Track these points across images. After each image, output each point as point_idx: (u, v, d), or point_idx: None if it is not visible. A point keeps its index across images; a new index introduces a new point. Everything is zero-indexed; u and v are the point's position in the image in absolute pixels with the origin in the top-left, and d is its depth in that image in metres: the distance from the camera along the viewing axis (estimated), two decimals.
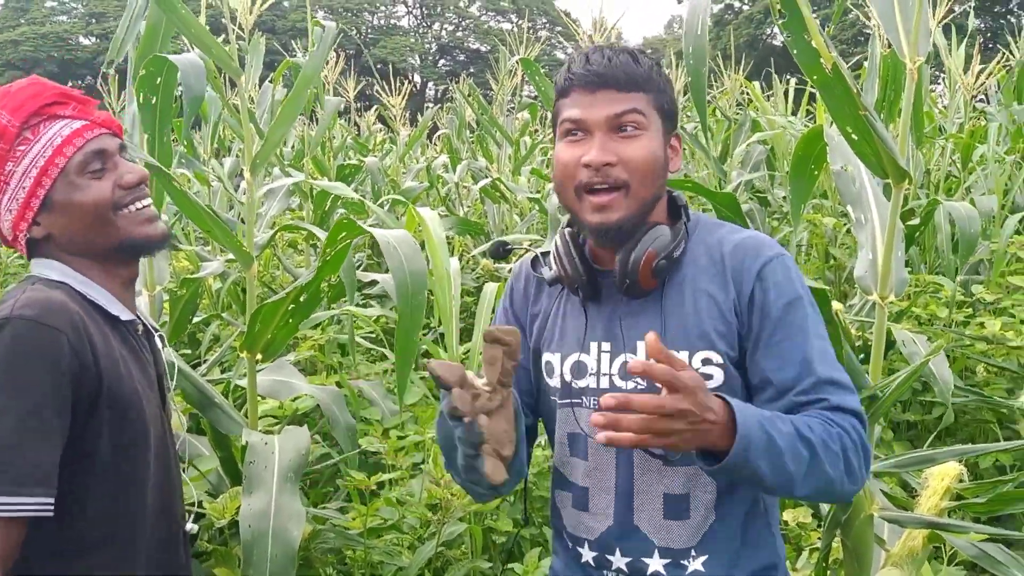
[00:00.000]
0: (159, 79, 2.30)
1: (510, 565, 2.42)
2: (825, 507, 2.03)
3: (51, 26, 47.78)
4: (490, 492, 1.35)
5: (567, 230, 1.37)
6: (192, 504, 1.59)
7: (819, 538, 2.02)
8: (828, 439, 1.17)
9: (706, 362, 1.25)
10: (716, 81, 7.05)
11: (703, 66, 1.73)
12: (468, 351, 2.85)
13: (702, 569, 1.27)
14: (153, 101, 2.34)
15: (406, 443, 2.93)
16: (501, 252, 1.47)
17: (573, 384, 1.34)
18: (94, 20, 49.25)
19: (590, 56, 1.29)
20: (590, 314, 1.34)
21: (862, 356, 2.26)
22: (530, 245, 3.67)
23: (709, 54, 1.89)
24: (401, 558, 2.34)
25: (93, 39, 48.80)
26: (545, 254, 1.42)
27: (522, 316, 1.45)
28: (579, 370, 1.34)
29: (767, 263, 1.26)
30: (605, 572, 1.33)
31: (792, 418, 1.18)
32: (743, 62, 7.04)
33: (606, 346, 1.32)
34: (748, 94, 6.43)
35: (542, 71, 4.72)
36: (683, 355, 1.24)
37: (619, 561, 1.31)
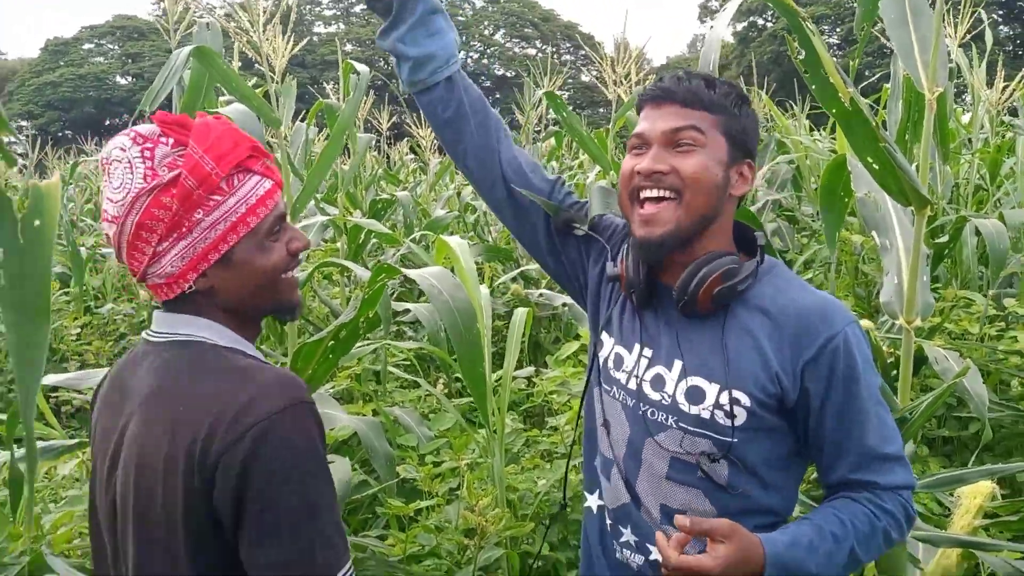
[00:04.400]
0: None
1: None
2: None
3: (89, 67, 49.12)
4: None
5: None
6: None
7: None
8: (871, 534, 1.26)
9: (735, 401, 1.27)
10: None
11: None
12: (500, 377, 2.91)
13: None
14: None
15: (441, 469, 2.99)
16: (563, 224, 1.51)
17: (611, 372, 1.42)
18: (130, 60, 50.56)
19: (665, 77, 1.36)
20: (644, 318, 1.40)
21: (893, 373, 2.28)
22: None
23: (733, 74, 1.94)
24: None
25: (129, 78, 50.06)
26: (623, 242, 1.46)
27: (601, 259, 1.50)
28: (618, 362, 1.41)
29: (834, 335, 1.26)
30: (616, 541, 1.41)
31: (832, 528, 1.24)
32: (767, 79, 7.08)
33: (647, 352, 1.37)
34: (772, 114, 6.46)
35: (564, 99, 4.81)
36: (714, 387, 1.29)
37: (629, 535, 1.39)
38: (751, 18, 38.34)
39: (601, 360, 1.45)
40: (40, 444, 2.32)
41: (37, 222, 0.69)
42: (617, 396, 1.40)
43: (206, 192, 1.12)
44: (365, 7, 1.49)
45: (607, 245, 1.49)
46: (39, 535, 2.27)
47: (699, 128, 1.29)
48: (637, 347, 1.39)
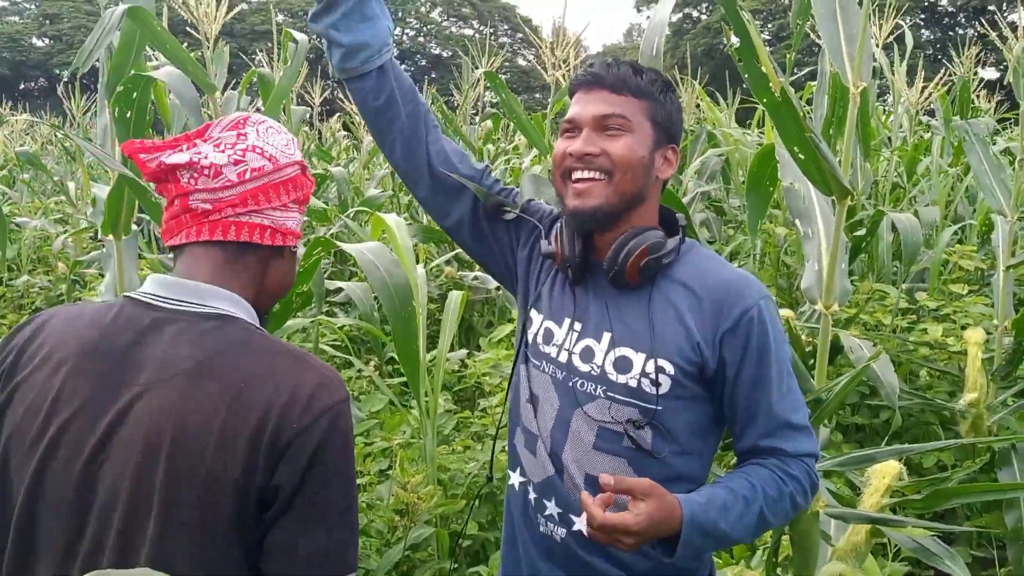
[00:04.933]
0: (135, 94, 2.34)
1: (475, 568, 2.49)
2: None
3: (3, 26, 46.63)
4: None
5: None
6: None
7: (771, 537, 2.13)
8: (778, 498, 1.34)
9: (660, 370, 1.34)
10: (673, 92, 7.20)
11: None
12: (434, 358, 2.92)
13: None
14: (128, 115, 2.38)
15: (373, 449, 2.98)
16: (494, 207, 1.55)
17: (540, 347, 1.46)
18: (48, 21, 48.15)
19: (595, 63, 1.42)
20: (576, 293, 1.44)
21: (811, 361, 2.38)
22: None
23: (666, 64, 1.99)
24: (369, 561, 2.40)
25: (47, 40, 47.70)
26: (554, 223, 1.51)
27: (532, 256, 1.55)
28: (547, 337, 1.46)
29: (749, 307, 1.35)
30: (540, 515, 1.44)
31: (743, 491, 1.32)
32: (700, 72, 7.21)
33: (577, 325, 1.42)
34: (703, 107, 6.60)
35: (503, 80, 4.81)
36: (640, 356, 1.35)
37: (553, 508, 1.43)
38: (686, 10, 38.93)
39: (530, 336, 1.49)
40: None
41: None
42: (547, 370, 1.44)
43: (304, 192, 1.26)
44: None
45: (540, 225, 1.53)
46: None
47: (625, 115, 1.37)
48: (567, 321, 1.43)
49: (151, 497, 1.04)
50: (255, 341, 1.14)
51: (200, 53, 2.84)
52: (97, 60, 2.52)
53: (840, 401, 1.90)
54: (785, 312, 2.77)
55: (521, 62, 40.57)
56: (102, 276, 5.03)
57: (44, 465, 1.09)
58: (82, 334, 1.14)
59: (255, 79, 4.06)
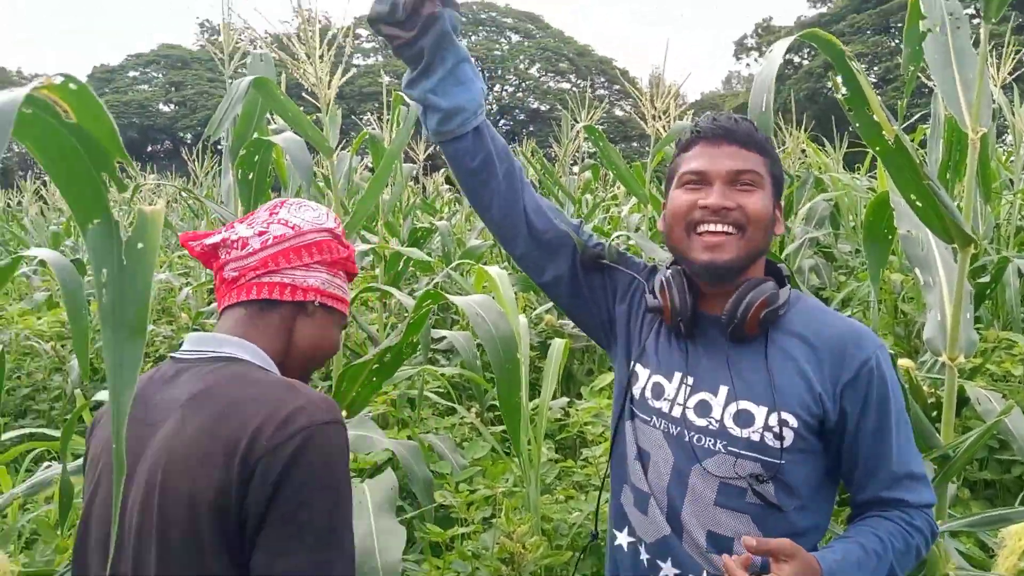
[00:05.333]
0: (257, 157, 2.51)
1: None
2: None
3: (133, 94, 50.46)
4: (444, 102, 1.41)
5: (676, 267, 1.46)
6: None
7: None
8: (905, 551, 1.33)
9: (783, 423, 1.32)
10: (776, 138, 7.11)
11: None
12: (537, 407, 2.93)
13: None
14: (250, 176, 2.54)
15: (476, 497, 3.00)
16: (593, 259, 1.55)
17: (649, 402, 1.44)
18: (173, 88, 51.85)
19: (716, 116, 1.43)
20: (684, 347, 1.43)
21: (935, 413, 2.27)
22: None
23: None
24: None
25: (172, 106, 51.30)
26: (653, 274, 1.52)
27: (633, 311, 1.54)
28: (657, 391, 1.44)
29: (868, 358, 1.33)
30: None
31: (873, 546, 1.30)
32: (804, 117, 7.09)
33: (689, 379, 1.41)
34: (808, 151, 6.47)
35: (602, 132, 4.87)
36: (762, 410, 1.33)
37: (669, 569, 1.39)
38: (787, 55, 38.36)
39: (636, 392, 1.47)
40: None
41: (140, 245, 0.74)
42: (658, 425, 1.42)
43: (348, 268, 1.40)
44: (393, 54, 1.42)
45: (639, 278, 1.54)
46: None
47: (757, 171, 1.38)
48: (678, 375, 1.42)
49: (152, 523, 1.12)
50: (252, 374, 1.22)
51: (315, 116, 3.02)
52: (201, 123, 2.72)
53: (969, 457, 1.80)
54: (905, 362, 2.65)
55: (618, 112, 40.81)
56: None
57: (91, 503, 1.23)
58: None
59: (366, 139, 4.25)
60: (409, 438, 3.25)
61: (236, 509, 1.09)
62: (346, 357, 4.17)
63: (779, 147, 6.89)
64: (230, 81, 2.59)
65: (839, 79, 1.58)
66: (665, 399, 1.42)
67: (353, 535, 1.15)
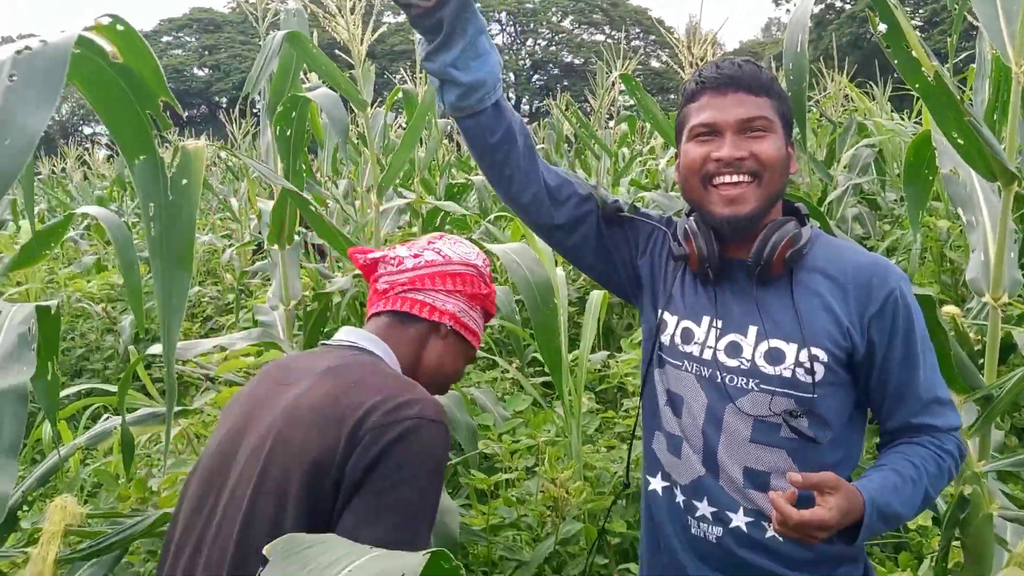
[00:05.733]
0: (294, 113, 2.53)
1: (624, 565, 2.51)
2: (943, 507, 2.04)
3: (167, 59, 50.82)
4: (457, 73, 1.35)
5: (695, 215, 1.46)
6: None
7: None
8: (938, 474, 1.36)
9: (813, 358, 1.33)
10: (818, 84, 6.95)
11: (803, 82, 1.77)
12: (576, 359, 2.96)
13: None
14: (288, 133, 2.57)
15: (519, 446, 3.06)
16: (614, 212, 1.56)
17: (680, 347, 1.46)
18: (207, 52, 52.08)
19: (719, 63, 1.41)
20: (712, 291, 1.45)
21: (981, 362, 2.25)
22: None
23: (810, 57, 1.94)
24: (522, 553, 2.46)
25: (206, 70, 51.60)
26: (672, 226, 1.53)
27: (656, 261, 1.56)
28: (686, 336, 1.46)
29: (893, 289, 1.35)
30: (690, 517, 1.44)
31: (908, 471, 1.33)
32: (846, 63, 6.91)
33: (718, 322, 1.42)
34: (852, 97, 6.32)
35: (639, 82, 4.80)
36: (792, 347, 1.34)
37: (705, 509, 1.42)
38: (828, 0, 37.25)
39: (665, 339, 1.49)
40: (144, 411, 2.47)
41: (184, 180, 0.78)
42: (690, 369, 1.44)
43: (487, 306, 1.56)
44: (410, 22, 1.35)
45: (660, 227, 1.56)
46: (146, 496, 2.44)
47: (767, 116, 1.37)
48: (707, 319, 1.43)
49: (256, 467, 1.24)
50: (381, 366, 1.39)
51: (348, 73, 3.03)
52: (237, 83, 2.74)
53: (1013, 398, 1.79)
54: (950, 309, 2.62)
55: (654, 64, 40.11)
56: (266, 285, 5.41)
57: (213, 440, 1.39)
58: (282, 359, 1.54)
59: (399, 96, 4.26)
60: (451, 390, 3.32)
61: (335, 472, 1.20)
62: None
63: (820, 92, 6.74)
64: (263, 41, 2.61)
65: (876, 16, 1.55)
66: (695, 343, 1.44)
67: (430, 536, 1.23)
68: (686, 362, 1.45)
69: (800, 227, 1.39)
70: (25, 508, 2.50)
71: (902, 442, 1.39)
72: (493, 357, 3.81)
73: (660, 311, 1.51)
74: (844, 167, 5.34)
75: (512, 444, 2.90)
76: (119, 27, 0.73)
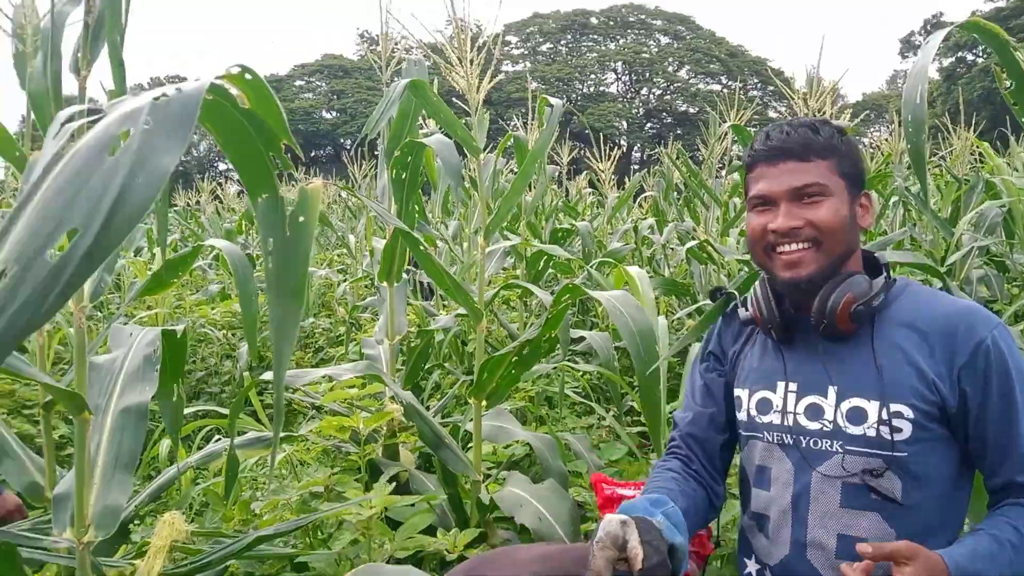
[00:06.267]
0: (410, 158, 2.65)
1: None
2: None
3: (299, 102, 53.75)
4: None
5: (766, 276, 1.47)
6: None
7: None
8: None
9: (896, 415, 1.29)
10: (944, 141, 6.67)
11: (922, 134, 1.72)
12: (674, 409, 2.91)
13: None
14: (403, 176, 2.69)
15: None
16: (716, 297, 1.60)
17: (757, 419, 1.43)
18: (335, 97, 54.81)
19: (770, 132, 1.42)
20: (782, 354, 1.43)
21: None
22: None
23: (938, 111, 1.88)
24: None
25: (334, 113, 54.25)
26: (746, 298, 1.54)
27: (726, 353, 1.57)
28: (763, 407, 1.43)
29: (984, 338, 1.29)
30: None
31: (1008, 536, 1.23)
32: (975, 118, 6.62)
33: (792, 386, 1.40)
34: (981, 154, 6.04)
35: (752, 132, 4.74)
36: (874, 404, 1.30)
37: None
38: (959, 53, 35.81)
39: (743, 415, 1.47)
40: (252, 435, 2.59)
41: (301, 218, 0.84)
42: (771, 439, 1.41)
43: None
44: None
45: (733, 295, 1.58)
46: (248, 517, 2.53)
47: (820, 180, 1.36)
48: (781, 385, 1.41)
49: None
50: None
51: (464, 120, 3.14)
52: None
53: None
54: None
55: (772, 114, 39.47)
56: (375, 319, 5.58)
57: None
58: None
59: (511, 142, 4.36)
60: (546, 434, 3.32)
61: None
62: (487, 353, 4.30)
63: (946, 149, 6.47)
64: (386, 87, 2.74)
65: (1003, 72, 1.50)
66: (774, 411, 1.41)
67: None
68: (766, 433, 1.42)
69: (871, 280, 1.36)
70: (136, 522, 2.64)
71: (1007, 504, 1.30)
72: (590, 403, 3.79)
73: (733, 391, 1.51)
74: (969, 226, 5.08)
75: None
76: (247, 76, 0.81)
